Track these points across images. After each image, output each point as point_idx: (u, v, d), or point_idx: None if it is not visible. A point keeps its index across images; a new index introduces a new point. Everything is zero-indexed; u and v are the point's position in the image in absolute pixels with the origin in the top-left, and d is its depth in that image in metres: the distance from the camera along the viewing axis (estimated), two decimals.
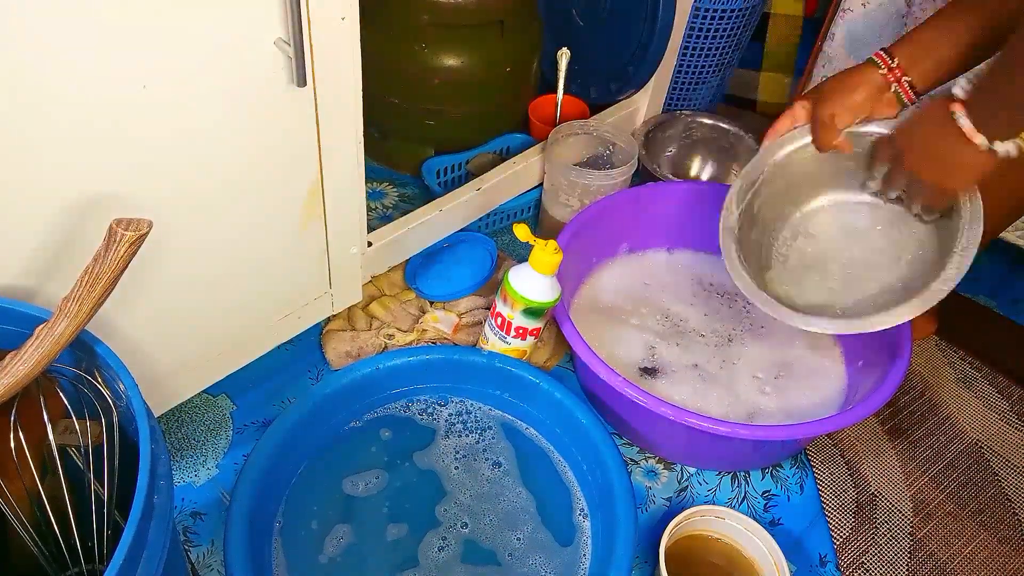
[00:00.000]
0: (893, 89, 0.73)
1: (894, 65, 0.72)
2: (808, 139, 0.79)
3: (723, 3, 1.10)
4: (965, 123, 0.64)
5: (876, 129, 0.75)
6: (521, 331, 0.84)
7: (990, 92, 0.63)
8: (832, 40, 1.06)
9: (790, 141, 0.80)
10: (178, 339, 0.73)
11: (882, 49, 0.73)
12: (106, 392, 0.53)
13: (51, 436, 0.53)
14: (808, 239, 0.85)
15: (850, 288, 0.82)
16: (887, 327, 0.72)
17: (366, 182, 0.80)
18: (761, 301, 0.77)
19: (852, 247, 0.83)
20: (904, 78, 0.72)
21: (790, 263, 0.85)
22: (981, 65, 0.69)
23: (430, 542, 0.76)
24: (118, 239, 0.49)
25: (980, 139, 0.64)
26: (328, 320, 0.96)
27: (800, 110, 0.78)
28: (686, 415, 0.74)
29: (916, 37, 0.72)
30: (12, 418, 0.51)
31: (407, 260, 1.02)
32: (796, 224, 0.86)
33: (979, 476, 0.89)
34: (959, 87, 0.65)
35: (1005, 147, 0.64)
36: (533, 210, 1.13)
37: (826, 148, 0.77)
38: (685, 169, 1.22)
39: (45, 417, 0.52)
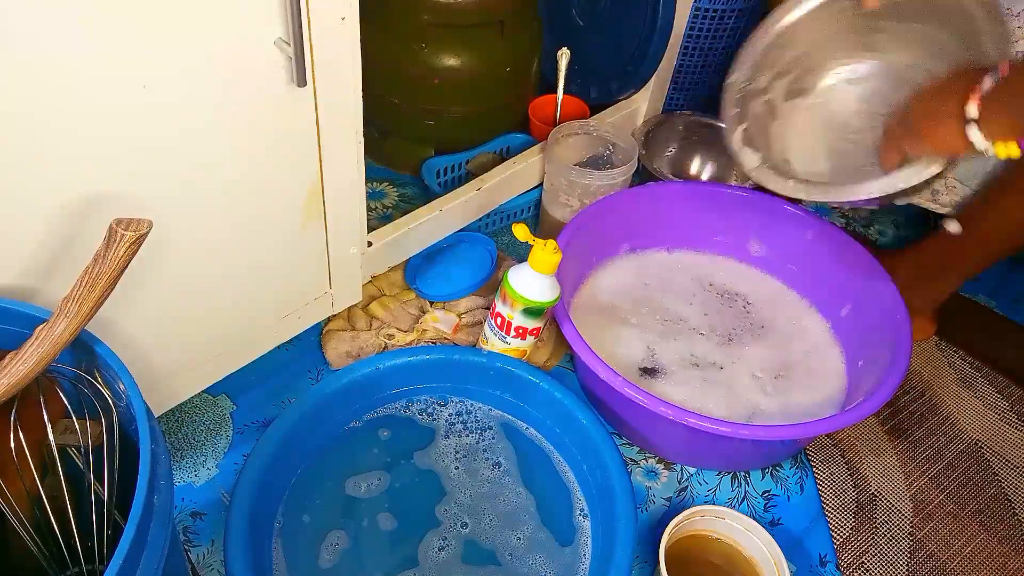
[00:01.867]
0: None
1: None
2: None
3: (723, 3, 1.10)
4: (972, 108, 0.61)
5: None
6: (521, 331, 0.84)
7: (1010, 89, 0.60)
8: None
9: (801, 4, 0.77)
10: (178, 339, 0.73)
11: None
12: (106, 392, 0.53)
13: (51, 436, 0.53)
14: (817, 106, 0.82)
15: (844, 158, 0.80)
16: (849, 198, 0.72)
17: (366, 182, 0.80)
18: (745, 160, 0.77)
19: (855, 118, 0.80)
20: None
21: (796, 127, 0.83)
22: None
23: (430, 542, 0.76)
24: (118, 239, 0.49)
25: (977, 135, 0.62)
26: (328, 320, 0.96)
27: None
28: (686, 415, 0.74)
29: None
30: (12, 418, 0.51)
31: (407, 260, 1.02)
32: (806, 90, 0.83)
33: (979, 476, 0.89)
34: (989, 78, 0.61)
35: (999, 149, 0.61)
36: (533, 210, 1.13)
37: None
38: (685, 169, 1.22)
39: (45, 417, 0.52)
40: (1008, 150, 0.60)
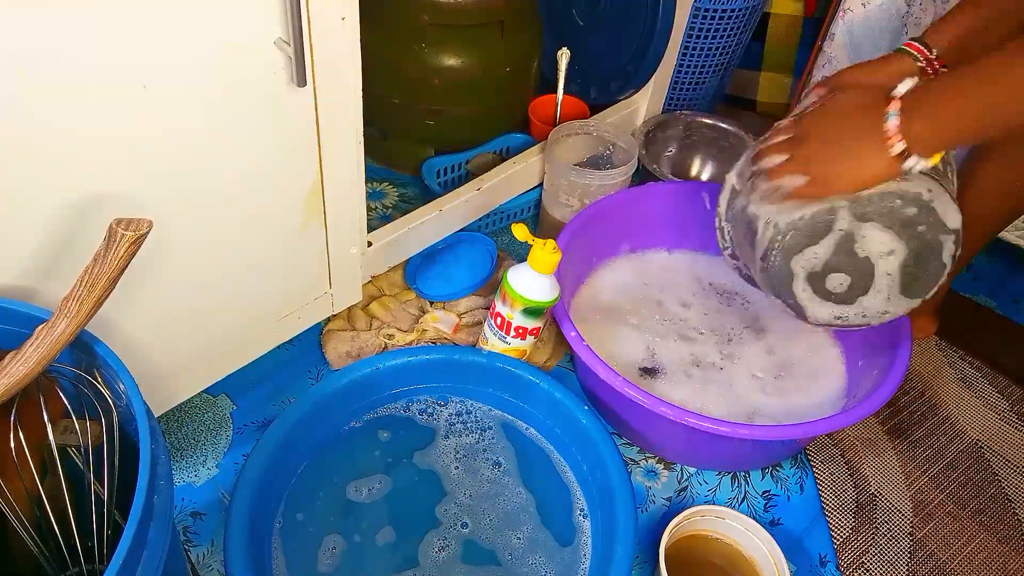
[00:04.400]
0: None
1: (933, 57, 0.68)
2: None
3: (723, 3, 1.10)
4: (893, 122, 0.60)
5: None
6: (521, 331, 0.84)
7: (932, 103, 0.60)
8: (832, 40, 1.06)
9: None
10: (178, 339, 0.73)
11: (914, 39, 0.70)
12: (106, 392, 0.53)
13: (51, 436, 0.53)
14: None
15: None
16: None
17: (366, 182, 0.80)
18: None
19: None
20: (941, 69, 0.68)
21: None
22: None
23: (430, 542, 0.76)
24: (118, 239, 0.49)
25: (898, 145, 0.61)
26: (328, 320, 0.96)
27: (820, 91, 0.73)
28: (686, 415, 0.74)
29: (954, 19, 0.68)
30: (12, 418, 0.51)
31: (407, 260, 1.02)
32: None
33: (979, 476, 0.89)
34: (905, 85, 0.62)
35: (915, 163, 0.61)
36: (533, 210, 1.13)
37: None
38: (685, 169, 1.22)
39: (45, 417, 0.52)
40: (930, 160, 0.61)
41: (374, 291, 0.99)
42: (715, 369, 0.92)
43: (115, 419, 0.53)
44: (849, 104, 0.66)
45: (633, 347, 0.93)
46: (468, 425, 0.86)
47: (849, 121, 0.64)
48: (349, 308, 0.95)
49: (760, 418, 0.87)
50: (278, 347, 0.85)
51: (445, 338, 0.95)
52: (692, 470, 0.87)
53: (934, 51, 0.69)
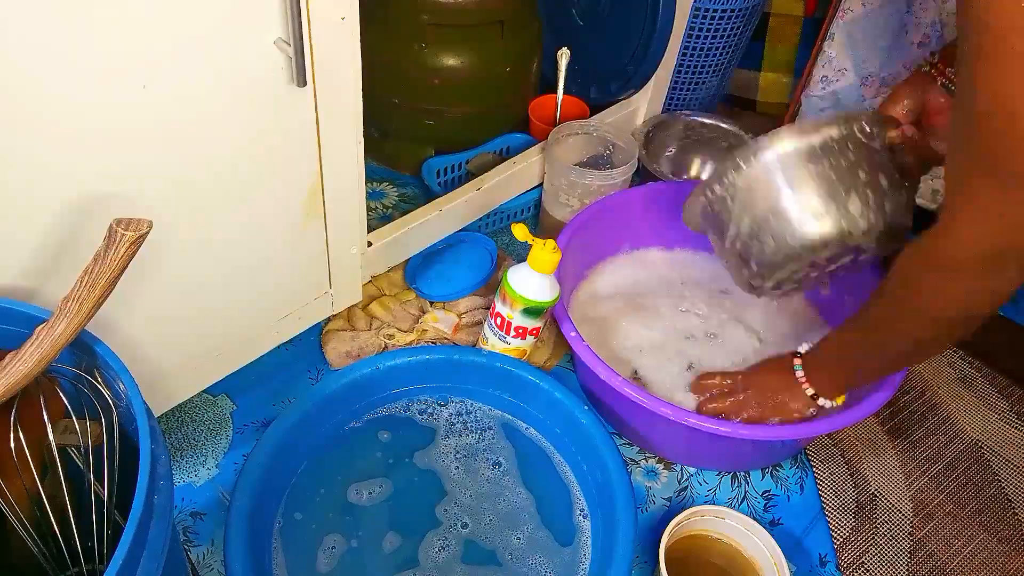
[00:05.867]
0: (940, 83, 0.73)
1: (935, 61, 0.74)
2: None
3: (723, 3, 1.10)
4: (800, 373, 0.78)
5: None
6: (521, 331, 0.84)
7: (822, 357, 0.78)
8: (832, 40, 1.06)
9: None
10: (178, 339, 0.73)
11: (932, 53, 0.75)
12: (106, 392, 0.53)
13: (51, 436, 0.53)
14: None
15: None
16: None
17: (366, 182, 0.80)
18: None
19: None
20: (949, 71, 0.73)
21: None
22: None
23: (430, 542, 0.76)
24: (118, 239, 0.49)
25: (809, 390, 0.78)
26: (328, 320, 0.96)
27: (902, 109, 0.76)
28: (686, 415, 0.74)
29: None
30: (12, 418, 0.51)
31: (407, 260, 1.02)
32: None
33: (979, 476, 0.89)
34: (804, 345, 0.79)
35: (826, 402, 0.78)
36: (533, 210, 1.13)
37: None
38: (685, 169, 1.22)
39: (45, 417, 0.52)
40: (838, 400, 0.78)
41: (374, 291, 0.99)
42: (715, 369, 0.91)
43: (115, 419, 0.53)
44: (769, 366, 0.85)
45: (633, 347, 0.93)
46: (468, 425, 0.86)
47: (775, 378, 0.82)
48: (349, 308, 0.95)
49: None
50: (278, 347, 0.85)
51: (445, 338, 0.95)
52: (692, 470, 0.87)
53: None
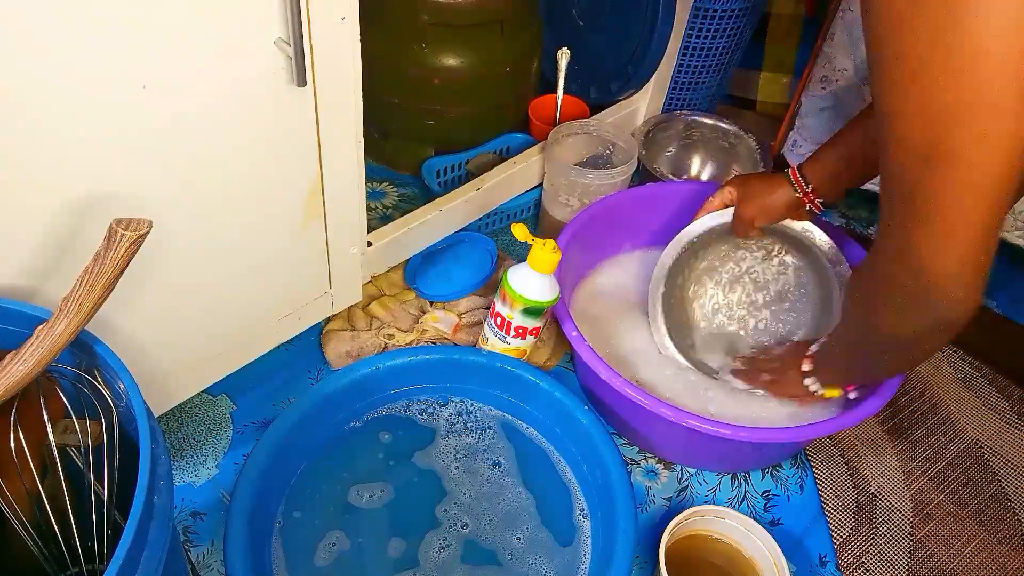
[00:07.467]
0: (807, 207, 0.82)
1: (808, 190, 0.80)
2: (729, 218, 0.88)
3: (723, 3, 1.10)
4: (806, 366, 0.79)
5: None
6: (521, 331, 0.84)
7: (828, 355, 0.77)
8: (832, 40, 1.06)
9: (719, 217, 0.89)
10: (178, 339, 0.73)
11: (797, 167, 0.81)
12: (106, 392, 0.53)
13: (51, 436, 0.53)
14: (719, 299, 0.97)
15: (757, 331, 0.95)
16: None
17: (366, 182, 0.80)
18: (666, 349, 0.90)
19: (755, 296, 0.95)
20: (817, 200, 0.81)
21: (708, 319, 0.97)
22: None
23: (430, 542, 0.76)
24: (118, 239, 0.49)
25: (814, 386, 0.79)
26: (328, 320, 0.96)
27: (728, 194, 0.87)
28: (686, 416, 0.74)
29: (823, 158, 0.79)
30: (12, 418, 0.51)
31: (407, 260, 1.02)
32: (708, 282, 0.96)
33: (979, 476, 0.89)
34: (816, 344, 0.79)
35: (828, 392, 0.79)
36: (533, 210, 1.13)
37: (742, 238, 0.90)
38: (685, 169, 1.22)
39: (45, 417, 0.52)
40: (832, 392, 0.78)
41: (374, 291, 0.99)
42: (715, 368, 0.91)
43: (115, 419, 0.53)
44: (784, 356, 0.87)
45: (633, 347, 0.93)
46: (468, 425, 0.86)
47: (787, 364, 0.84)
48: (349, 308, 0.95)
49: (761, 419, 0.86)
50: (278, 347, 0.85)
51: (445, 338, 0.95)
52: (692, 470, 0.87)
53: (809, 185, 0.80)
